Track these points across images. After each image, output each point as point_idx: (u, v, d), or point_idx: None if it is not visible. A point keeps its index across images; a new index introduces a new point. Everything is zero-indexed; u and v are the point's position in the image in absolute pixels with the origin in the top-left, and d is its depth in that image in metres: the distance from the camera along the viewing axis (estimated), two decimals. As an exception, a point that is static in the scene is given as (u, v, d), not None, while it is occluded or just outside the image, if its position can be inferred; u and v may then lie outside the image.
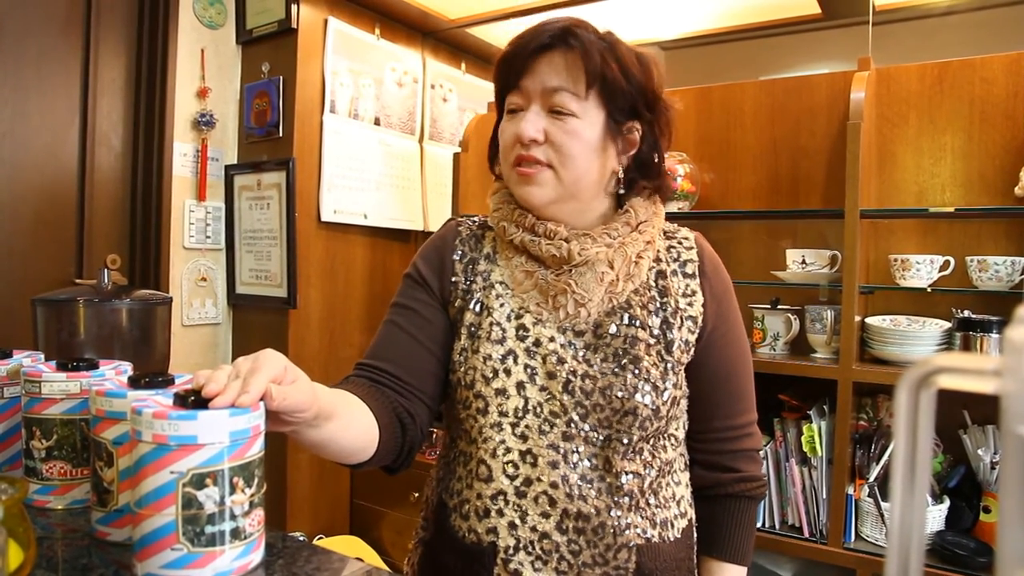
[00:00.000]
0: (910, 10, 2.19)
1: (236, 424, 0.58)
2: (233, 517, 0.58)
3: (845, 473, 1.65)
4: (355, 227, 2.43)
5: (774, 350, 1.88)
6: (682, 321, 0.89)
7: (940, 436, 1.70)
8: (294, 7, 2.16)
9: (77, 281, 2.00)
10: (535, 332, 0.88)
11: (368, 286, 2.52)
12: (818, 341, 1.82)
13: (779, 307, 1.90)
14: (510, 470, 0.86)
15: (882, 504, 1.63)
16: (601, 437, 0.85)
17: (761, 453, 1.00)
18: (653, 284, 0.90)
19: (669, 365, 0.87)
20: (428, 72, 2.64)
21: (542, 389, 0.86)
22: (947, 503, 1.60)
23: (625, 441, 0.85)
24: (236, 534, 0.58)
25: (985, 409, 1.64)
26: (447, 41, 2.69)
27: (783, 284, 1.89)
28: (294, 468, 2.26)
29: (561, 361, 0.86)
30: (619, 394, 0.84)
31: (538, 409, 0.86)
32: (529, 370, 0.87)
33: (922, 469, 0.32)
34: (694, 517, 0.96)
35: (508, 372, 0.87)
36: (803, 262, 1.84)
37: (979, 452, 1.60)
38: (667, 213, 1.04)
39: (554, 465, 0.85)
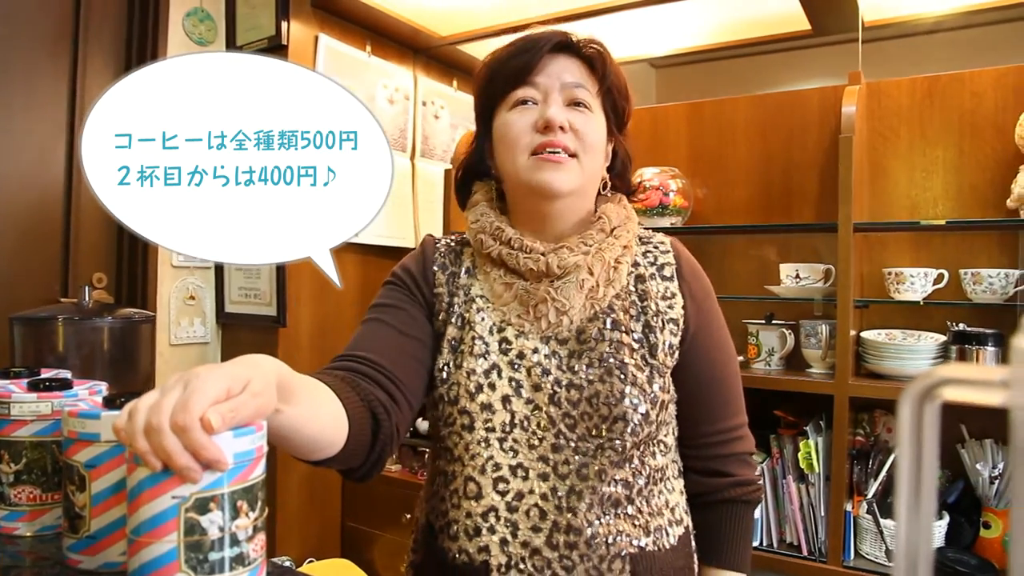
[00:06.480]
0: (898, 27, 2.20)
1: (240, 445, 0.55)
2: (236, 543, 0.56)
3: (843, 490, 1.62)
4: (346, 244, 2.41)
5: (769, 366, 1.86)
6: (664, 324, 0.89)
7: (938, 451, 1.68)
8: (284, 24, 2.16)
9: (62, 300, 1.97)
10: (518, 344, 0.87)
11: (359, 304, 2.49)
12: (813, 356, 1.80)
13: (773, 322, 1.88)
14: (501, 486, 0.84)
15: (881, 521, 1.60)
16: (592, 446, 0.84)
17: (755, 457, 0.99)
18: (633, 289, 0.90)
19: (654, 368, 0.87)
20: (420, 89, 2.63)
21: (528, 402, 0.85)
22: (946, 519, 1.58)
23: (618, 449, 0.84)
24: (240, 560, 0.56)
25: (983, 422, 1.63)
26: (438, 58, 2.69)
27: (777, 299, 1.88)
28: (283, 488, 2.22)
29: (546, 372, 0.86)
30: (606, 400, 0.84)
31: (525, 423, 0.85)
32: (514, 383, 0.86)
33: (928, 485, 0.30)
34: (691, 525, 0.95)
35: (493, 386, 0.86)
36: (797, 276, 1.83)
37: (978, 467, 1.58)
38: (660, 229, 1.04)
39: (544, 477, 0.84)
